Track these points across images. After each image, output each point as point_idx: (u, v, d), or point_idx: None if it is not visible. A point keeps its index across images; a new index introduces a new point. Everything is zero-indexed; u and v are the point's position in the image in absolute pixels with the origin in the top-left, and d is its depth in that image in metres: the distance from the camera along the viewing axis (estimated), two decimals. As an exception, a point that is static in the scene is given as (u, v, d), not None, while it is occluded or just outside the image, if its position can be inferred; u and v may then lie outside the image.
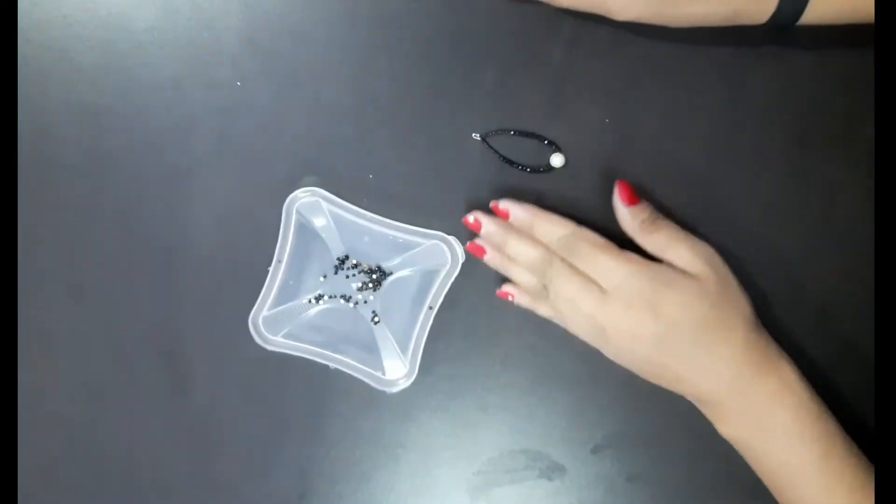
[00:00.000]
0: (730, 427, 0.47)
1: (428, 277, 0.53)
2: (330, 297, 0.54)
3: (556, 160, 0.52)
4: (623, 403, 0.53)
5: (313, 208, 0.53)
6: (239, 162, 0.54)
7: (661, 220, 0.48)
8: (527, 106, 0.52)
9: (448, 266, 0.52)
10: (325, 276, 0.54)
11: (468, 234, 0.52)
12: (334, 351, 0.54)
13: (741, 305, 0.46)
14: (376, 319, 0.54)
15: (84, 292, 0.55)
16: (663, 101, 0.52)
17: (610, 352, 0.48)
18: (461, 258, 0.52)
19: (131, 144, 0.54)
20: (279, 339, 0.54)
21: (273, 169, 0.54)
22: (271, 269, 0.53)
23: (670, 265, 0.46)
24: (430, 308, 0.52)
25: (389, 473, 0.55)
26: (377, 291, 0.54)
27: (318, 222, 0.54)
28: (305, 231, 0.54)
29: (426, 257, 0.53)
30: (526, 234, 0.49)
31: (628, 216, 0.48)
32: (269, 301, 0.53)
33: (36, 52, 0.54)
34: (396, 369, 0.53)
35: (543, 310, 0.50)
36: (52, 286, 0.55)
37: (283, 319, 0.54)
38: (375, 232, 0.53)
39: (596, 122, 0.52)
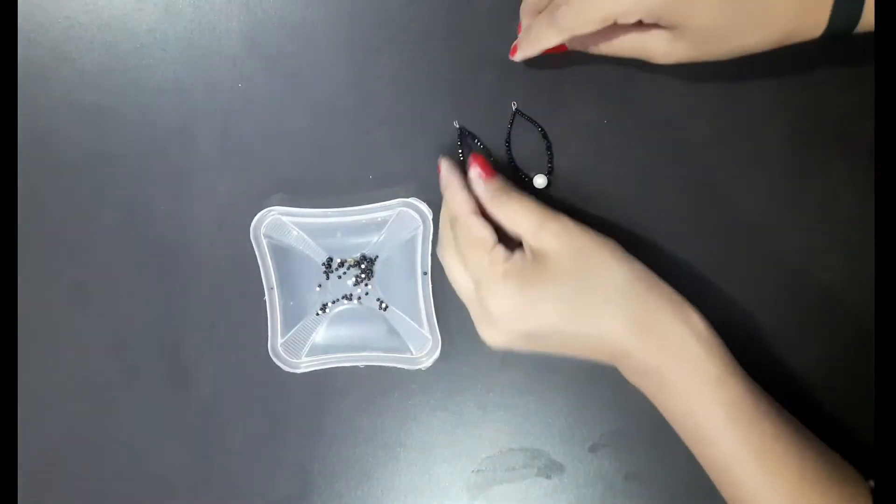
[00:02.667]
0: (630, 376, 0.45)
1: (411, 246, 0.52)
2: (333, 302, 0.54)
3: (539, 181, 0.52)
4: (621, 402, 0.53)
5: (278, 228, 0.53)
6: (240, 162, 0.54)
7: (513, 191, 0.46)
8: (526, 106, 0.52)
9: (422, 227, 0.52)
10: (320, 286, 0.54)
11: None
12: (359, 350, 0.54)
13: (608, 270, 0.44)
14: (384, 306, 0.54)
15: (85, 292, 0.55)
16: (663, 101, 0.52)
17: (490, 335, 0.46)
18: (429, 214, 0.51)
19: (133, 145, 0.54)
20: (304, 359, 0.54)
21: (273, 169, 0.54)
22: (266, 298, 0.53)
23: (522, 258, 0.44)
24: (425, 273, 0.52)
25: (389, 472, 0.55)
26: (373, 279, 0.54)
27: (289, 238, 0.54)
28: (282, 251, 0.54)
29: (400, 228, 0.53)
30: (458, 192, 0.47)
31: (482, 189, 0.46)
32: (279, 328, 0.53)
33: (37, 53, 0.54)
34: (421, 344, 0.53)
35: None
36: (53, 286, 0.55)
37: (300, 340, 0.54)
38: (343, 224, 0.53)
39: (595, 123, 0.52)
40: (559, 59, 0.51)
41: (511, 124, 0.52)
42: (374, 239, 0.53)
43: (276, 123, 0.54)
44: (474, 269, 0.45)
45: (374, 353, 0.54)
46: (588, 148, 0.52)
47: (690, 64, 0.45)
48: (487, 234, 0.45)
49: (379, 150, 0.53)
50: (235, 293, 0.54)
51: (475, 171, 0.46)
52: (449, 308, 0.53)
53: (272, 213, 0.52)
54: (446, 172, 0.47)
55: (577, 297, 0.43)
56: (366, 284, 0.54)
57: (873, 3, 0.41)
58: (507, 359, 0.54)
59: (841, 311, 0.52)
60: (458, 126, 0.52)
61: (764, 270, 0.52)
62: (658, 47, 0.45)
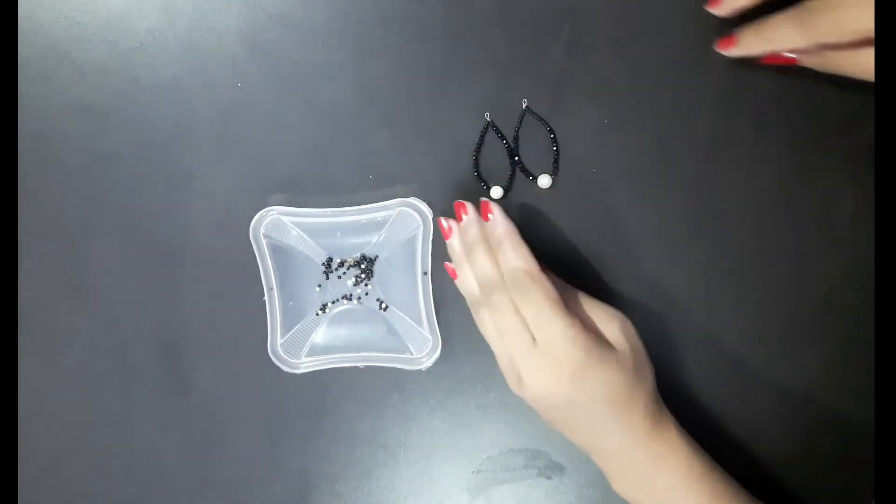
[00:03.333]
0: (622, 484, 0.47)
1: (411, 246, 0.52)
2: (333, 302, 0.54)
3: (544, 181, 0.52)
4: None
5: (278, 227, 0.53)
6: (240, 162, 0.54)
7: (570, 290, 0.48)
8: (526, 106, 0.52)
9: (422, 227, 0.52)
10: (319, 286, 0.54)
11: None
12: (359, 350, 0.54)
13: (647, 376, 0.47)
14: (384, 306, 0.54)
15: (85, 292, 0.55)
16: (663, 101, 0.52)
17: (514, 388, 0.47)
18: (429, 214, 0.51)
19: (132, 145, 0.54)
20: (304, 359, 0.54)
21: (273, 169, 0.54)
22: (266, 298, 0.53)
23: (601, 336, 0.46)
24: (425, 273, 0.52)
25: (389, 472, 0.55)
26: (372, 279, 0.54)
27: (289, 238, 0.54)
28: (281, 251, 0.54)
29: (400, 227, 0.53)
30: (493, 250, 0.47)
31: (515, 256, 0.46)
32: (279, 328, 0.53)
33: (37, 52, 0.54)
34: (422, 344, 0.53)
35: (476, 315, 0.49)
36: (52, 286, 0.55)
37: (300, 340, 0.54)
38: (343, 224, 0.53)
39: (595, 123, 0.52)
40: (559, 59, 0.51)
41: (520, 123, 0.52)
42: (374, 239, 0.53)
43: (276, 123, 0.54)
44: (551, 329, 0.44)
45: (374, 354, 0.54)
46: (589, 148, 0.52)
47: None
48: (557, 293, 0.45)
49: (379, 150, 0.53)
50: (235, 293, 0.54)
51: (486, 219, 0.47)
52: (449, 309, 0.53)
53: (272, 212, 0.52)
54: (500, 226, 0.47)
55: (625, 389, 0.45)
56: (365, 284, 0.54)
57: None
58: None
59: (841, 311, 0.52)
60: (488, 119, 0.52)
61: (764, 271, 0.52)
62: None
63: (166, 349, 0.55)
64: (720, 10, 0.47)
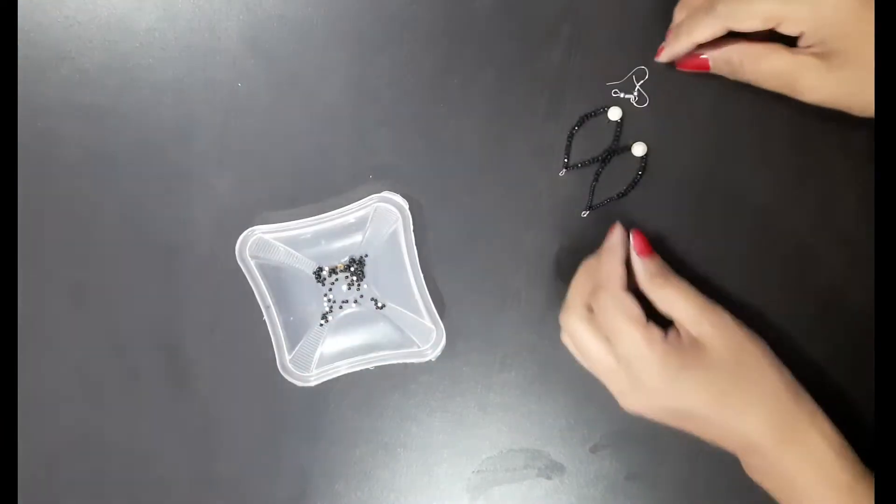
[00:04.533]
0: (752, 475, 0.47)
1: (394, 240, 0.52)
2: (331, 310, 0.54)
3: (614, 113, 0.51)
4: (622, 402, 0.53)
5: (264, 246, 0.53)
6: (240, 162, 0.54)
7: (671, 274, 0.47)
8: (526, 106, 0.52)
9: (400, 219, 0.52)
10: (323, 317, 0.55)
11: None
12: (368, 351, 0.54)
13: (762, 371, 0.45)
14: (380, 305, 0.54)
15: (85, 292, 0.55)
16: (662, 101, 0.52)
17: (625, 407, 0.47)
18: (405, 205, 0.52)
19: (132, 145, 0.54)
20: (314, 371, 0.54)
21: (273, 169, 0.54)
22: (266, 317, 0.53)
23: (678, 340, 0.45)
24: (414, 266, 0.52)
25: (389, 472, 0.55)
26: (364, 280, 0.54)
27: (277, 255, 0.54)
28: (272, 269, 0.54)
29: (380, 223, 0.53)
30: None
31: (640, 267, 0.47)
32: (285, 344, 0.53)
33: (37, 52, 0.54)
34: (426, 335, 0.53)
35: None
36: (52, 286, 0.55)
37: (308, 353, 0.54)
38: (325, 230, 0.53)
39: (595, 123, 0.52)
40: (559, 59, 0.51)
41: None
42: (358, 239, 0.53)
43: (276, 123, 0.54)
44: (626, 344, 0.45)
45: (381, 353, 0.54)
46: (589, 148, 0.52)
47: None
48: (640, 311, 0.45)
49: (379, 149, 0.53)
50: (235, 293, 0.54)
51: (635, 248, 0.47)
52: (449, 309, 0.53)
53: (255, 233, 0.52)
54: (616, 241, 0.48)
55: (729, 390, 0.44)
56: (359, 287, 0.54)
57: None
58: (507, 359, 0.54)
59: (841, 311, 0.52)
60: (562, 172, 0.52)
61: (764, 271, 0.52)
62: (808, 78, 0.44)
63: (166, 349, 0.55)
64: (662, 58, 0.48)
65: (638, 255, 0.47)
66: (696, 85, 0.51)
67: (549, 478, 0.54)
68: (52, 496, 0.56)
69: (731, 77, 0.47)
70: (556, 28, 0.52)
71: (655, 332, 0.45)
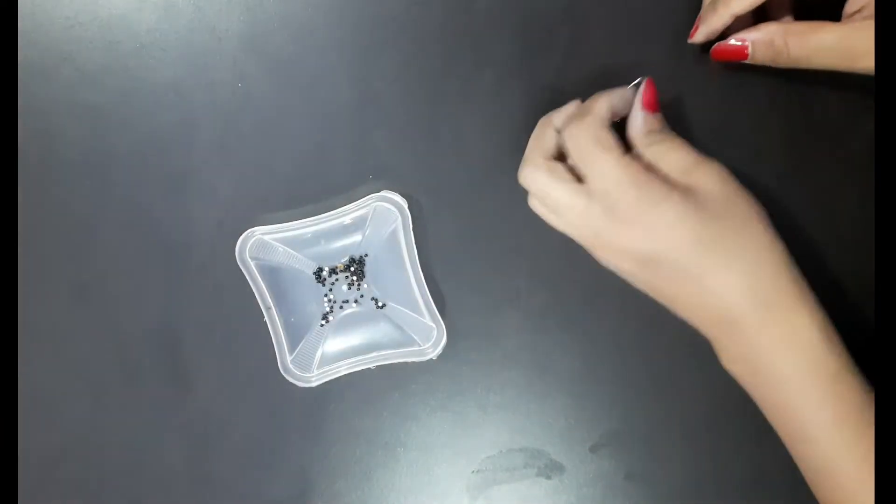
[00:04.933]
0: (728, 362, 0.42)
1: (394, 239, 0.52)
2: (332, 310, 0.54)
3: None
4: (621, 402, 0.53)
5: (263, 248, 0.53)
6: (240, 162, 0.54)
7: (671, 134, 0.43)
8: (526, 106, 0.52)
9: (399, 219, 0.52)
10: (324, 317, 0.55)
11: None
12: (369, 351, 0.54)
13: (753, 229, 0.40)
14: (381, 304, 0.54)
15: (85, 292, 0.55)
16: (662, 101, 0.52)
17: (599, 259, 0.43)
18: (405, 204, 0.51)
19: (133, 145, 0.54)
20: (316, 372, 0.54)
21: (273, 169, 0.54)
22: (266, 318, 0.53)
23: (668, 177, 0.41)
24: (413, 265, 0.52)
25: (389, 472, 0.55)
26: (364, 280, 0.54)
27: (277, 256, 0.54)
28: (272, 270, 0.54)
29: (380, 223, 0.53)
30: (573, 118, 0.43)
31: (640, 120, 0.42)
32: (286, 345, 0.53)
33: (38, 53, 0.54)
34: (427, 333, 0.53)
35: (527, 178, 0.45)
36: (53, 286, 0.55)
37: (309, 353, 0.54)
38: (324, 230, 0.53)
39: (595, 122, 0.52)
40: (559, 59, 0.51)
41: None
42: (358, 239, 0.53)
43: (276, 123, 0.54)
44: (601, 173, 0.40)
45: (382, 353, 0.54)
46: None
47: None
48: (618, 142, 0.41)
49: (379, 149, 0.53)
50: (235, 293, 0.54)
51: (641, 99, 0.43)
52: (448, 309, 0.53)
53: (254, 234, 0.52)
54: (619, 91, 0.43)
55: (713, 237, 0.39)
56: (359, 287, 0.54)
57: None
58: (507, 359, 0.54)
59: (841, 311, 0.52)
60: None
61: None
62: (866, 41, 0.39)
63: (166, 349, 0.55)
64: (698, 37, 0.46)
65: (644, 107, 0.42)
66: (695, 84, 0.51)
67: (548, 477, 0.54)
68: (52, 496, 0.56)
69: (773, 63, 0.43)
70: (557, 28, 0.52)
71: (636, 161, 0.41)
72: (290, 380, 0.53)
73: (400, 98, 0.53)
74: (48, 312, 0.55)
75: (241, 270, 0.53)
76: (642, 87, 0.43)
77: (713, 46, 0.46)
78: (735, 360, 0.42)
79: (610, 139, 0.41)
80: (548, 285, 0.53)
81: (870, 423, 0.39)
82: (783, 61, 0.43)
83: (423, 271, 0.52)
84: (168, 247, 0.54)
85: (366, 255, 0.54)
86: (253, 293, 0.53)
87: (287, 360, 0.53)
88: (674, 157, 0.41)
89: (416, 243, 0.52)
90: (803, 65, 0.43)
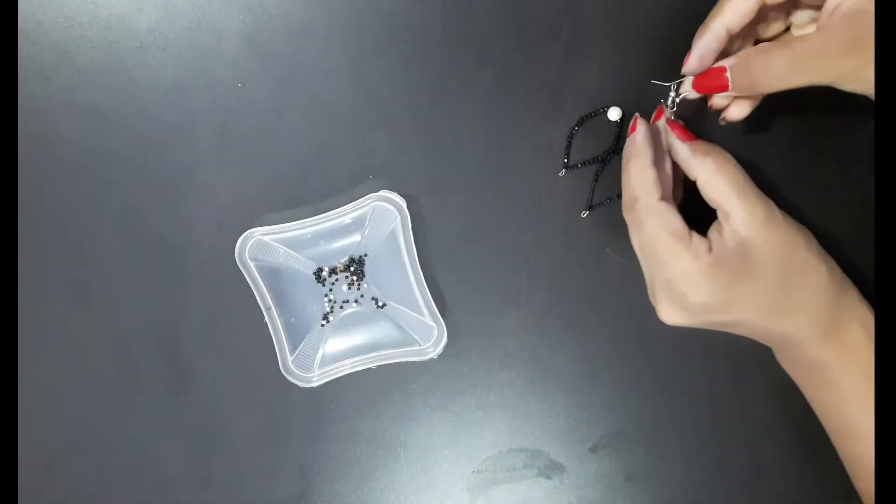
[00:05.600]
0: (784, 364, 0.45)
1: (393, 239, 0.52)
2: (332, 310, 0.54)
3: (614, 113, 0.51)
4: (621, 402, 0.53)
5: (263, 248, 0.53)
6: (240, 162, 0.54)
7: (719, 155, 0.43)
8: (526, 106, 0.52)
9: (398, 218, 0.52)
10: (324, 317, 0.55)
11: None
12: (370, 351, 0.54)
13: (809, 269, 0.43)
14: (381, 304, 0.54)
15: (85, 292, 0.55)
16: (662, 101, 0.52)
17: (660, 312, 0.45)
18: (403, 203, 0.51)
19: (133, 145, 0.54)
20: (317, 372, 0.54)
21: (273, 168, 0.54)
22: (267, 319, 0.53)
23: (723, 246, 0.42)
24: (413, 264, 0.52)
25: (389, 472, 0.55)
26: (364, 279, 0.54)
27: (277, 256, 0.54)
28: (272, 270, 0.54)
29: (379, 223, 0.53)
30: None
31: (684, 151, 0.44)
32: (287, 346, 0.53)
33: (37, 52, 0.54)
34: (427, 333, 0.53)
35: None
36: (53, 286, 0.55)
37: (310, 353, 0.54)
38: (324, 230, 0.53)
39: (595, 123, 0.52)
40: (559, 59, 0.51)
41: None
42: (357, 238, 0.53)
43: (276, 123, 0.54)
44: (669, 260, 0.42)
45: (383, 353, 0.54)
46: (589, 148, 0.52)
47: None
48: (680, 223, 0.42)
49: (379, 149, 0.53)
50: (235, 293, 0.54)
51: (673, 136, 0.44)
52: (448, 309, 0.53)
53: (253, 235, 0.52)
54: (641, 142, 0.43)
55: (777, 295, 0.42)
56: (359, 287, 0.54)
57: None
58: (507, 359, 0.54)
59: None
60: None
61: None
62: (850, 36, 0.38)
63: (166, 349, 0.55)
64: (691, 63, 0.44)
65: (684, 141, 0.44)
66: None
67: (548, 478, 0.54)
68: (52, 496, 0.56)
69: (754, 89, 0.42)
70: (556, 28, 0.52)
71: (701, 246, 0.42)
72: (292, 380, 0.53)
73: (400, 98, 0.53)
74: (48, 312, 0.55)
75: (239, 269, 0.53)
76: (670, 129, 0.44)
77: (695, 78, 0.44)
78: (791, 365, 0.45)
79: (674, 221, 0.42)
80: (548, 285, 0.53)
81: None
82: (766, 82, 0.41)
83: (423, 271, 0.52)
84: (168, 246, 0.54)
85: (365, 255, 0.54)
86: (253, 292, 0.53)
87: (288, 361, 0.53)
88: (730, 198, 0.42)
89: (416, 244, 0.52)
90: (787, 82, 0.40)
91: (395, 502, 0.55)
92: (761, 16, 0.43)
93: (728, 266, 0.42)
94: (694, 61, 0.43)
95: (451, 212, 0.53)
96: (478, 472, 0.54)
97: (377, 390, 0.54)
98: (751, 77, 0.41)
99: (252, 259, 0.53)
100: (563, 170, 0.52)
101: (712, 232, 0.44)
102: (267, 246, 0.53)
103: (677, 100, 0.46)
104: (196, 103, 0.54)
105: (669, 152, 0.45)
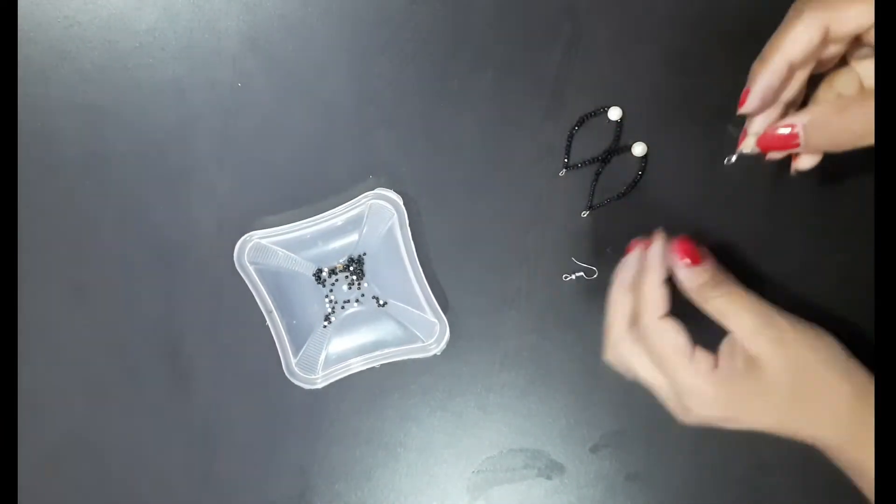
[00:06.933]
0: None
1: (391, 236, 0.52)
2: (333, 311, 0.54)
3: (614, 113, 0.51)
4: (622, 403, 0.53)
5: (262, 252, 0.53)
6: (240, 162, 0.54)
7: (723, 282, 0.42)
8: (526, 106, 0.52)
9: (395, 215, 0.52)
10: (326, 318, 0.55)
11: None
12: (373, 350, 0.54)
13: (826, 385, 0.41)
14: (382, 302, 0.54)
15: (85, 292, 0.55)
16: (662, 101, 0.52)
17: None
18: (399, 200, 0.51)
19: (132, 145, 0.54)
20: (321, 373, 0.54)
21: (273, 168, 0.54)
22: (268, 322, 0.53)
23: (731, 364, 0.41)
24: (412, 261, 0.52)
25: (389, 472, 0.55)
26: (364, 278, 0.54)
27: (276, 259, 0.54)
28: (272, 273, 0.54)
29: (376, 221, 0.53)
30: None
31: (689, 277, 0.41)
32: (289, 348, 0.53)
33: (37, 52, 0.54)
34: (429, 329, 0.53)
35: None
36: (53, 286, 0.55)
37: (313, 355, 0.54)
38: (321, 231, 0.53)
39: (595, 123, 0.52)
40: (559, 59, 0.51)
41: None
42: (355, 238, 0.53)
43: (276, 123, 0.54)
44: (674, 376, 0.41)
45: (386, 351, 0.53)
46: (589, 148, 0.52)
47: None
48: (685, 339, 0.41)
49: (378, 149, 0.53)
50: (236, 293, 0.54)
51: (682, 259, 0.41)
52: (450, 309, 0.53)
53: (252, 238, 0.52)
54: (655, 256, 0.42)
55: (791, 411, 0.41)
56: (359, 286, 0.54)
57: None
58: (507, 360, 0.54)
59: (841, 311, 0.52)
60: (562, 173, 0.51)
61: (764, 270, 0.52)
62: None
63: (166, 349, 0.55)
64: (751, 102, 0.40)
65: (687, 266, 0.41)
66: (696, 86, 0.51)
67: (549, 478, 0.54)
68: (52, 496, 0.56)
69: (834, 147, 0.38)
70: (556, 28, 0.52)
71: (704, 362, 0.41)
72: (296, 382, 0.53)
73: (400, 98, 0.53)
74: (48, 312, 0.55)
75: (238, 269, 0.53)
76: (676, 248, 0.42)
77: (760, 136, 0.40)
78: (834, 460, 0.43)
79: (678, 338, 0.41)
80: (548, 285, 0.53)
81: None
82: (848, 140, 0.38)
83: (423, 271, 0.52)
84: (168, 246, 0.54)
85: (364, 254, 0.54)
86: (249, 295, 0.53)
87: (292, 363, 0.53)
88: (736, 319, 0.41)
89: (416, 244, 0.52)
90: (871, 140, 0.37)
91: (395, 502, 0.55)
92: (824, 44, 0.39)
93: (734, 383, 0.41)
94: (755, 101, 0.39)
95: (451, 212, 0.53)
96: (478, 472, 0.54)
97: (377, 390, 0.54)
98: (830, 137, 0.38)
99: (251, 262, 0.52)
100: (563, 170, 0.52)
101: (723, 346, 0.42)
102: (266, 249, 0.53)
103: (733, 159, 0.44)
104: (196, 103, 0.54)
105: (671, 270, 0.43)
